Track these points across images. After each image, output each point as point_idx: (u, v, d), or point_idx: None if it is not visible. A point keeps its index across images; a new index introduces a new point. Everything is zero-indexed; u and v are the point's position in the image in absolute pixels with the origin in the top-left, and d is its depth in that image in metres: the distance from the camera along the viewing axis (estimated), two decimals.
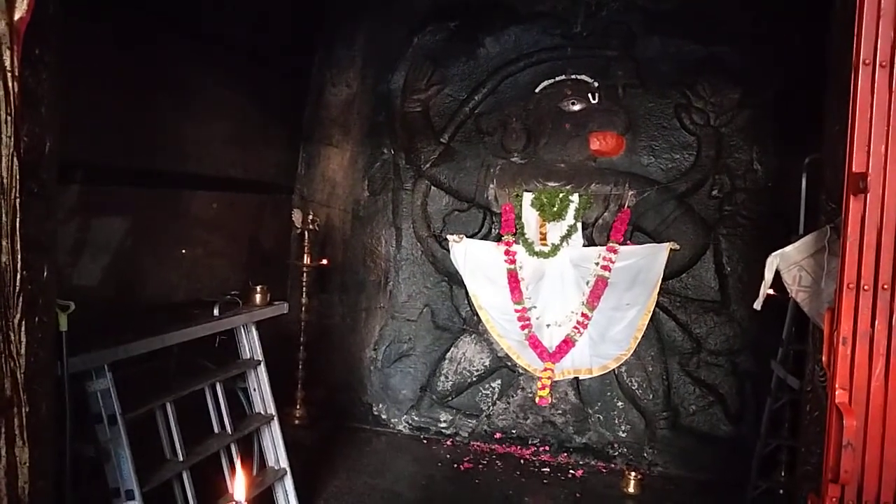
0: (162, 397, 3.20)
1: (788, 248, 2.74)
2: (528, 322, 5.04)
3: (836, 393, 1.86)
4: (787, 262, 2.71)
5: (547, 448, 5.22)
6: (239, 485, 1.74)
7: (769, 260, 2.78)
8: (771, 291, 2.94)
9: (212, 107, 4.64)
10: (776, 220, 4.63)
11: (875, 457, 1.84)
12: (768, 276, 2.80)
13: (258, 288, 4.08)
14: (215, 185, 4.76)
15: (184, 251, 4.41)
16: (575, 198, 5.01)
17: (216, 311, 3.69)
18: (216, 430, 3.56)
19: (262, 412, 3.91)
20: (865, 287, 1.85)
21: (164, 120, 4.14)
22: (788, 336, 4.00)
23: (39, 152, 1.97)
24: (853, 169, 1.86)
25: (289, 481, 3.91)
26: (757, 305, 2.99)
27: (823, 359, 1.99)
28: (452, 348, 5.46)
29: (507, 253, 5.10)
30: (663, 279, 4.85)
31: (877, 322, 1.85)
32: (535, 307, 5.07)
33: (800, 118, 4.28)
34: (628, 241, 4.98)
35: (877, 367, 1.84)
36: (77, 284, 3.51)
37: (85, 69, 3.30)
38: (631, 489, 4.62)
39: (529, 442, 5.28)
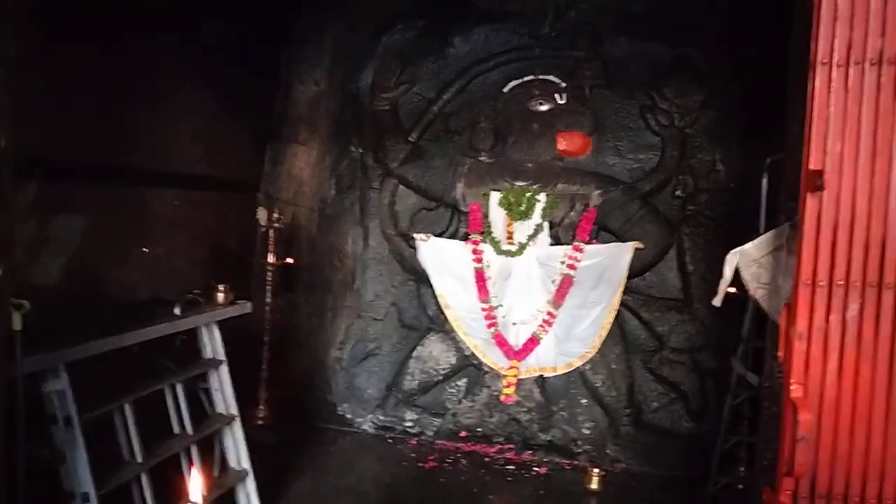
0: (121, 398, 3.14)
1: (748, 246, 2.78)
2: (494, 320, 5.05)
3: (792, 388, 1.89)
4: (747, 260, 2.75)
5: (512, 446, 5.23)
6: (195, 486, 1.71)
7: (728, 257, 2.83)
8: (731, 289, 2.98)
9: (176, 103, 4.56)
10: (738, 219, 4.70)
11: (828, 450, 1.87)
12: (727, 273, 2.84)
13: (221, 287, 4.03)
14: (179, 183, 4.68)
15: (145, 249, 4.33)
16: (542, 197, 5.04)
17: (177, 311, 3.63)
18: (176, 431, 3.50)
19: (224, 412, 3.85)
20: (821, 283, 1.88)
21: (126, 116, 4.06)
22: (748, 333, 4.07)
23: None
24: (810, 167, 1.89)
25: (251, 482, 3.86)
26: (716, 302, 3.04)
27: (780, 354, 2.02)
28: (419, 347, 5.45)
29: (474, 252, 5.10)
30: (628, 278, 4.91)
31: (831, 318, 1.88)
32: (501, 305, 5.09)
33: (763, 120, 4.36)
34: (594, 241, 5.02)
35: (830, 363, 1.87)
36: (35, 283, 3.43)
37: (47, 65, 3.23)
38: (594, 485, 4.65)
39: (494, 440, 5.28)
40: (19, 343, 2.45)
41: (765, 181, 4.08)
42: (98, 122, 3.80)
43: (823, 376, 1.87)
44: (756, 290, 2.74)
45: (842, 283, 1.86)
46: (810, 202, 1.89)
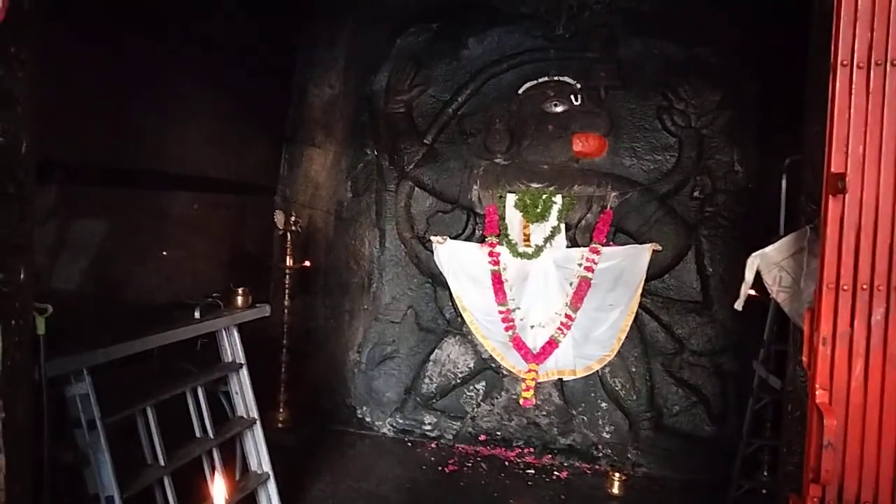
0: (142, 401, 3.17)
1: (769, 249, 2.75)
2: (511, 323, 5.04)
3: (817, 393, 1.87)
4: (768, 263, 2.72)
5: (531, 449, 5.22)
6: (218, 490, 1.72)
7: (749, 260, 2.80)
8: (752, 292, 2.95)
9: (193, 107, 4.61)
10: (757, 220, 4.67)
11: (855, 456, 1.85)
12: (749, 276, 2.81)
13: (240, 290, 4.05)
14: (197, 186, 4.72)
15: (165, 253, 4.37)
16: (558, 199, 5.03)
17: (197, 314, 3.66)
18: (198, 434, 3.53)
19: (245, 416, 3.88)
20: (845, 287, 1.86)
21: (145, 120, 4.11)
22: (770, 336, 4.03)
23: (15, 152, 1.95)
24: (832, 170, 1.87)
25: (272, 485, 3.88)
26: (738, 306, 3.01)
27: (804, 359, 2.00)
28: (437, 350, 5.45)
29: (490, 254, 5.10)
30: (646, 280, 4.88)
31: (856, 322, 1.86)
32: (518, 308, 5.08)
33: (780, 119, 4.32)
34: (611, 242, 5.00)
35: (856, 368, 1.85)
36: (56, 287, 3.47)
37: (66, 69, 3.27)
38: (615, 490, 4.63)
39: (514, 444, 5.27)
40: (43, 347, 2.48)
41: (784, 182, 4.04)
42: (115, 125, 3.85)
43: (849, 381, 1.84)
44: (777, 294, 2.72)
45: (866, 287, 1.84)
46: (832, 205, 1.87)
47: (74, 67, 3.43)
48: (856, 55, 1.86)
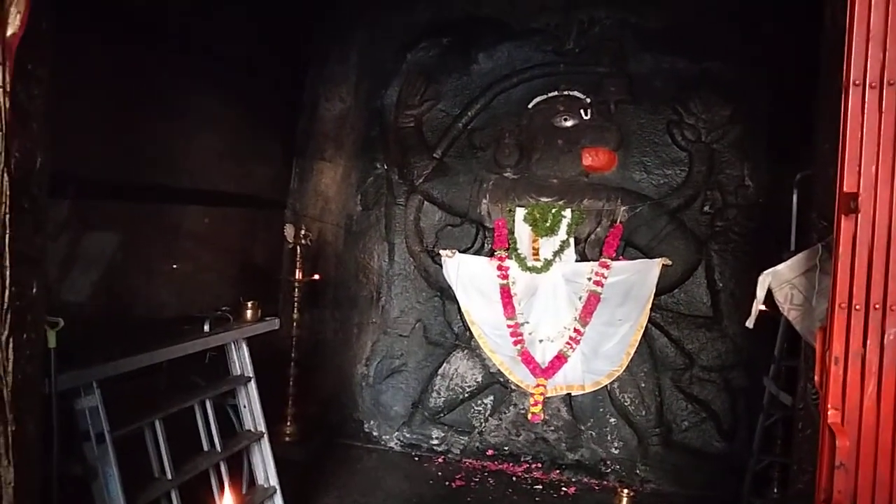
0: (151, 415, 3.17)
1: (780, 267, 2.74)
2: (520, 337, 5.03)
3: (829, 413, 1.86)
4: (779, 281, 2.71)
5: (539, 465, 5.19)
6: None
7: (761, 278, 2.79)
8: (763, 307, 2.94)
9: (204, 121, 4.64)
10: (767, 236, 4.64)
11: (868, 477, 1.83)
12: (760, 294, 2.80)
13: (249, 303, 4.06)
14: (207, 200, 4.75)
15: (175, 266, 4.39)
16: (567, 213, 5.02)
17: (206, 327, 3.67)
18: (205, 447, 3.53)
19: (252, 429, 3.88)
20: (857, 307, 1.85)
21: (156, 134, 4.14)
22: (780, 352, 4.01)
23: (30, 168, 1.97)
24: (844, 189, 1.87)
25: (278, 500, 3.87)
26: (749, 324, 2.99)
27: (816, 378, 1.99)
28: (445, 364, 5.44)
29: (499, 268, 5.09)
30: (655, 295, 4.86)
31: (868, 342, 1.85)
32: (527, 322, 5.06)
33: (791, 134, 4.32)
34: (620, 257, 4.98)
35: (869, 387, 1.84)
36: (66, 300, 3.49)
37: (77, 83, 3.29)
38: None
39: (522, 459, 5.24)
40: (53, 360, 2.49)
41: (795, 197, 4.02)
42: (127, 140, 3.88)
43: (861, 401, 1.83)
44: (789, 311, 2.70)
45: (878, 306, 1.83)
46: (845, 225, 1.86)
47: (88, 82, 3.46)
48: (868, 75, 1.86)
